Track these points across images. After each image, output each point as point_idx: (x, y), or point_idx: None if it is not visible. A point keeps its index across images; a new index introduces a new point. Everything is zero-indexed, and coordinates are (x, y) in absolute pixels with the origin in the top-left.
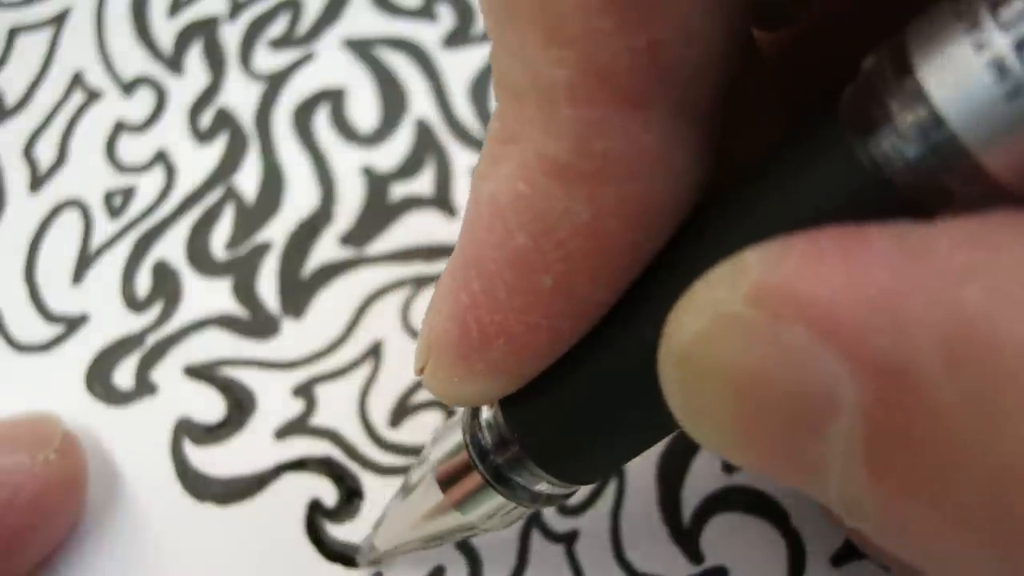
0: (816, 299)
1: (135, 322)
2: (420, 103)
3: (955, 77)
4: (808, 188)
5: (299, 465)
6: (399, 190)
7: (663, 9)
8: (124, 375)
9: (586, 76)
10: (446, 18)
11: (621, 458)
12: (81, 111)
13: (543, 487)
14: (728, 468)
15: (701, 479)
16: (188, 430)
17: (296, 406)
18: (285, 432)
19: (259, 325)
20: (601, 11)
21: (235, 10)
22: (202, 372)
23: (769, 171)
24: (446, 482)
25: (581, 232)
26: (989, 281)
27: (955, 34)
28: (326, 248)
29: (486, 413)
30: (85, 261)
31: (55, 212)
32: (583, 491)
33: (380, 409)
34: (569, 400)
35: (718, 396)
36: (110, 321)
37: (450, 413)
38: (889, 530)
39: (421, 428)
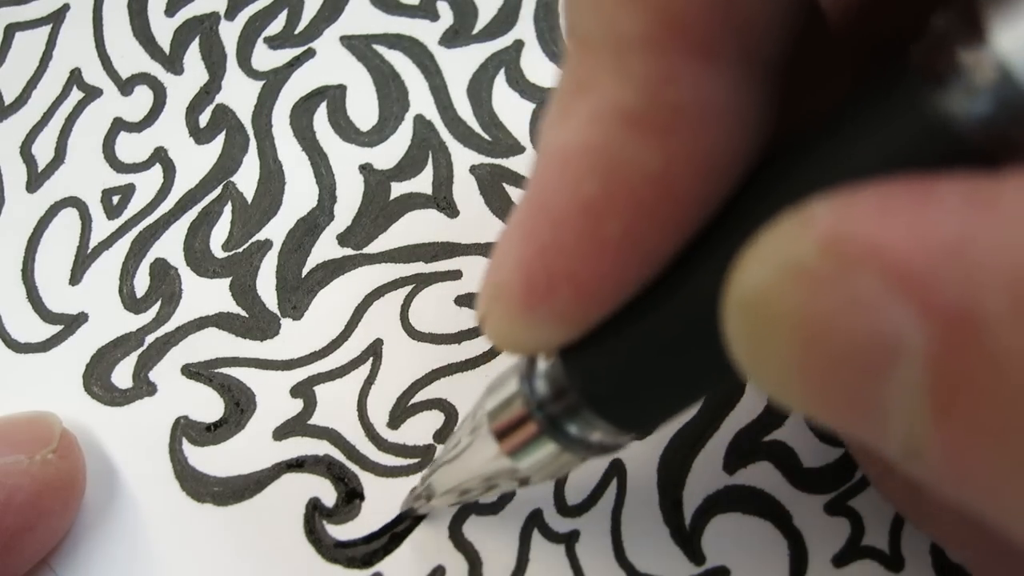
0: (886, 247)
1: (133, 321)
2: (419, 101)
3: None
4: (875, 140)
5: (298, 465)
6: (398, 188)
7: None
8: (122, 375)
9: (661, 26)
10: (445, 16)
11: (678, 406)
12: (79, 109)
13: (597, 436)
14: (729, 468)
15: (702, 479)
16: (187, 430)
17: (295, 406)
18: (284, 432)
19: (258, 324)
20: None
21: (233, 7)
22: (201, 372)
23: (835, 124)
24: (500, 431)
25: (651, 181)
26: None
27: None
28: (325, 247)
29: (543, 362)
30: (83, 260)
31: (53, 211)
32: (583, 491)
33: (379, 409)
34: (630, 347)
35: (783, 343)
36: (108, 320)
37: (449, 413)
38: (951, 476)
39: (420, 428)
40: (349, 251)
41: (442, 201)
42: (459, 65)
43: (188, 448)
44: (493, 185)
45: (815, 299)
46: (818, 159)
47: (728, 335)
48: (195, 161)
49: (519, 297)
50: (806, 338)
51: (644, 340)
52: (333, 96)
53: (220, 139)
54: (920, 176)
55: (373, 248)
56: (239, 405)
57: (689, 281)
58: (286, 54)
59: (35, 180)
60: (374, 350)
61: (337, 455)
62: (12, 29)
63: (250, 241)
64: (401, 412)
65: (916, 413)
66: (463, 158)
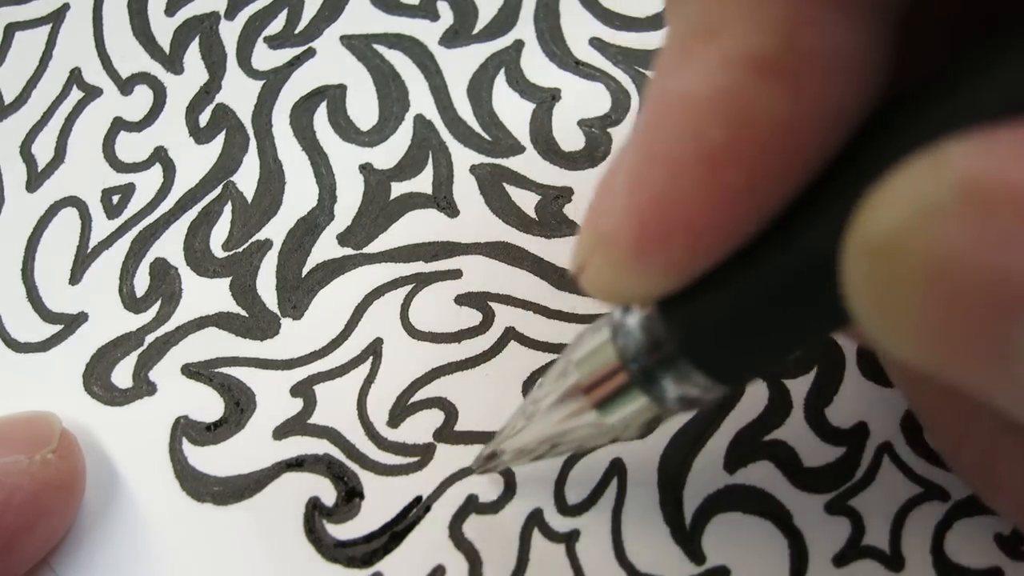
0: None
1: (133, 321)
2: (420, 101)
3: None
4: (1004, 83)
5: (298, 464)
6: (398, 188)
7: None
8: (122, 374)
9: None
10: (445, 16)
11: (778, 357)
12: (79, 109)
13: (690, 390)
14: (730, 467)
15: (703, 478)
16: (186, 429)
17: (295, 405)
18: (284, 431)
19: (258, 324)
20: None
21: (233, 7)
22: (200, 371)
23: (957, 72)
24: (588, 383)
25: (777, 128)
26: None
27: None
28: (325, 247)
29: (638, 313)
30: (83, 260)
31: (53, 210)
32: (583, 491)
33: (379, 408)
34: (735, 298)
35: (911, 286)
36: (108, 320)
37: (449, 412)
38: None
39: (420, 427)
40: (349, 251)
41: (442, 201)
42: (459, 65)
43: (188, 448)
44: (493, 185)
45: (951, 240)
46: (941, 105)
47: (848, 281)
48: (195, 161)
49: (629, 245)
50: (938, 280)
51: (752, 290)
52: (333, 96)
53: (220, 139)
54: None
55: (373, 248)
56: (239, 405)
57: (804, 230)
58: (286, 54)
59: (35, 180)
60: (374, 349)
61: (337, 454)
62: (12, 29)
63: (250, 241)
64: (401, 411)
65: None
66: (463, 158)
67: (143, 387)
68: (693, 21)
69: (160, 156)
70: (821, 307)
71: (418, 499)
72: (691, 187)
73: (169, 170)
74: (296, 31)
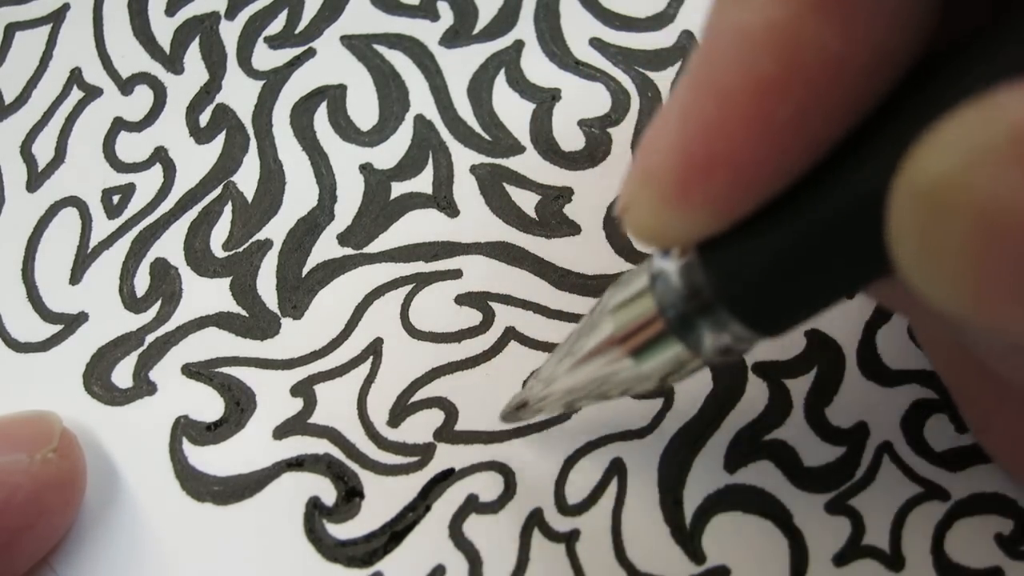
0: None
1: (133, 321)
2: (420, 101)
3: None
4: None
5: (298, 464)
6: (398, 188)
7: None
8: (122, 374)
9: None
10: (446, 16)
11: (818, 307)
12: (79, 109)
13: (728, 339)
14: (730, 467)
15: (703, 478)
16: (187, 429)
17: (295, 405)
18: (284, 431)
19: (258, 324)
20: None
21: (233, 7)
22: (201, 371)
23: (1007, 24)
24: (625, 330)
25: (829, 63)
26: None
27: None
28: (325, 247)
29: (677, 260)
30: (83, 260)
31: (53, 210)
32: (583, 490)
33: (379, 408)
34: (777, 243)
35: (964, 233)
36: (108, 320)
37: (449, 412)
38: None
39: (420, 426)
40: (349, 251)
41: (442, 201)
42: (459, 65)
43: (188, 447)
44: (493, 185)
45: (1002, 185)
46: (992, 55)
47: (895, 228)
48: (195, 161)
49: (674, 180)
50: (987, 223)
51: (795, 236)
52: (333, 96)
53: (220, 139)
54: None
55: (373, 248)
56: (239, 404)
57: (850, 175)
58: (286, 54)
59: (35, 180)
60: (374, 349)
61: (337, 454)
62: (12, 29)
63: (250, 241)
64: (401, 411)
65: None
66: (463, 158)
67: (143, 387)
68: None
69: (160, 156)
70: (864, 256)
71: (418, 499)
72: (739, 119)
73: (169, 170)
74: (296, 31)
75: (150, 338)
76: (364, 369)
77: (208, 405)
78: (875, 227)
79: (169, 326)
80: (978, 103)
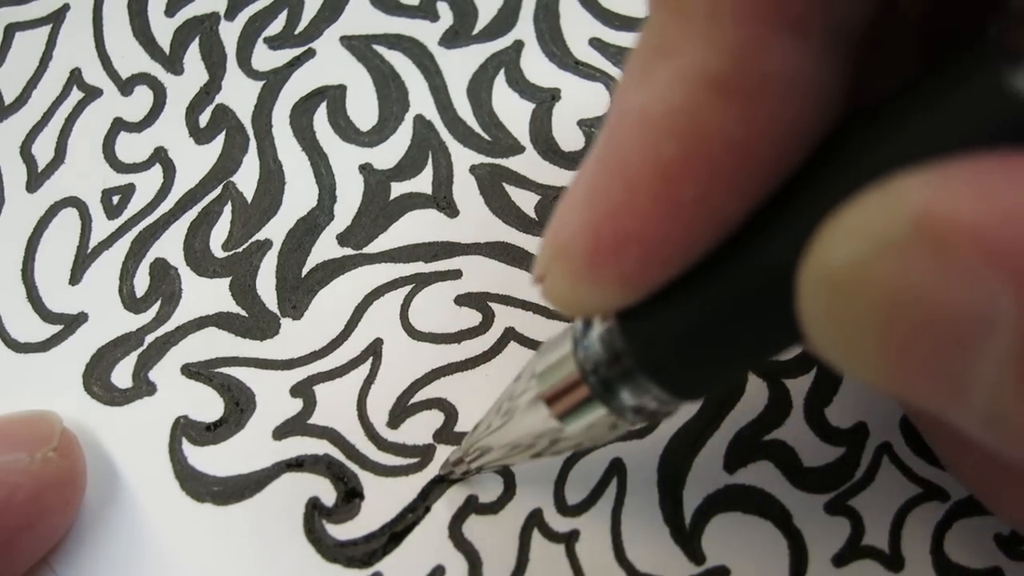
0: (984, 224)
1: (133, 321)
2: (419, 101)
3: None
4: (957, 116)
5: (298, 464)
6: (398, 188)
7: None
8: (122, 374)
9: None
10: (445, 16)
11: (734, 373)
12: (79, 109)
13: (650, 403)
14: (729, 467)
15: (702, 478)
16: (186, 429)
17: (295, 405)
18: (284, 432)
19: (258, 324)
20: None
21: (233, 8)
22: (200, 371)
23: (911, 101)
24: (550, 394)
25: (731, 147)
26: None
27: None
28: (325, 247)
29: (599, 326)
30: (83, 260)
31: (53, 211)
32: (583, 491)
33: (379, 408)
34: (691, 314)
35: (870, 318)
36: (108, 320)
37: (449, 413)
38: None
39: (420, 427)
40: (349, 251)
41: (442, 201)
42: (459, 65)
43: (188, 448)
44: (493, 185)
45: (908, 274)
46: (895, 135)
47: (804, 309)
48: (195, 161)
49: (584, 257)
50: (895, 313)
51: (707, 308)
52: (333, 96)
53: (220, 139)
54: (1004, 152)
55: (373, 248)
56: (239, 405)
57: (759, 251)
58: (286, 54)
59: (35, 180)
60: (374, 350)
61: (337, 454)
62: (12, 29)
63: (250, 241)
64: (401, 411)
65: (1001, 382)
66: (463, 158)
67: (143, 387)
68: (653, 40)
69: (160, 156)
70: (776, 326)
71: (418, 499)
72: (645, 201)
73: (169, 170)
74: (296, 32)
75: (150, 338)
76: (364, 370)
77: (208, 405)
78: (785, 299)
79: (169, 326)
80: (881, 189)
